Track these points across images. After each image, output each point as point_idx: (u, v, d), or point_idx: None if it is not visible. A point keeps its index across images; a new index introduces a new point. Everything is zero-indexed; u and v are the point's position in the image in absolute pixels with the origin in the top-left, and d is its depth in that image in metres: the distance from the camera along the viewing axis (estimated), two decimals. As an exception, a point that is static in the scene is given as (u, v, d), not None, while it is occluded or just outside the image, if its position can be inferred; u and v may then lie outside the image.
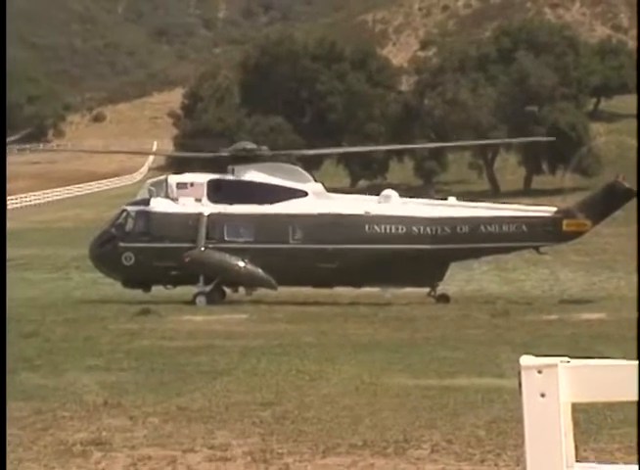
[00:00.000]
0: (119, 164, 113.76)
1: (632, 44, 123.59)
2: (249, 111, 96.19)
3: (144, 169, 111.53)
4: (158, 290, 28.80)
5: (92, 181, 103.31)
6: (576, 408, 3.35)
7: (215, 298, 28.06)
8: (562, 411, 3.26)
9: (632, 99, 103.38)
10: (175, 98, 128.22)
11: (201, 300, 27.83)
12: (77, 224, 65.49)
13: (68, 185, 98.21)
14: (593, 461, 8.94)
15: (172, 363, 16.44)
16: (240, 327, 22.22)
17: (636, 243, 24.83)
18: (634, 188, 28.91)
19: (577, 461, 3.35)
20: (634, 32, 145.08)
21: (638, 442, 3.38)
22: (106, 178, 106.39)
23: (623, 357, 3.44)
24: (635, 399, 3.29)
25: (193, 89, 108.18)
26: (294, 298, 28.38)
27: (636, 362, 3.25)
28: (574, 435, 3.34)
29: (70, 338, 19.70)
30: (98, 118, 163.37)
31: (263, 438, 10.94)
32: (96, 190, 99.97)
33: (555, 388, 3.24)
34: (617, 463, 9.05)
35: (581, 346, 17.69)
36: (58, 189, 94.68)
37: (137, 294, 28.61)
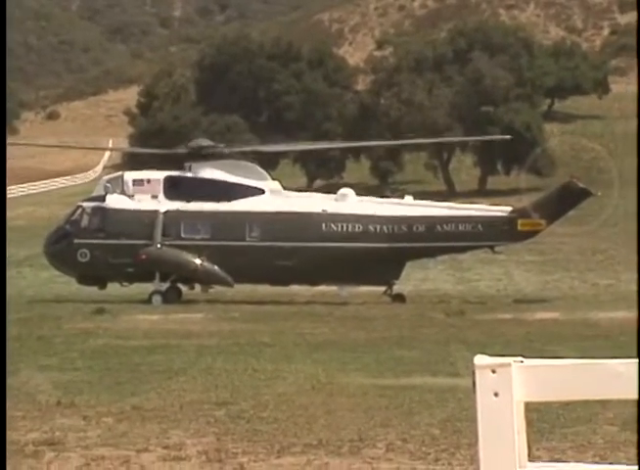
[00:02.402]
0: (74, 163, 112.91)
1: (586, 46, 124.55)
2: (205, 109, 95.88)
3: (99, 168, 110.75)
4: (113, 288, 28.64)
5: (46, 179, 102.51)
6: (529, 407, 3.37)
7: (171, 297, 27.96)
8: (515, 410, 3.27)
9: (586, 100, 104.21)
10: (131, 96, 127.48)
11: (157, 299, 27.72)
12: (31, 222, 64.97)
13: (22, 183, 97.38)
14: (545, 460, 9.00)
15: (127, 363, 16.36)
16: (196, 326, 22.15)
17: (636, 244, 25.23)
18: (588, 188, 29.19)
19: (530, 460, 3.37)
20: (588, 34, 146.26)
21: (638, 442, 3.41)
22: (60, 176, 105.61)
23: (577, 357, 3.47)
24: (585, 398, 3.31)
25: (149, 87, 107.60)
26: (250, 297, 28.34)
27: (587, 361, 3.28)
28: (527, 434, 3.36)
29: (24, 337, 19.54)
30: (52, 116, 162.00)
31: (218, 437, 10.91)
32: (50, 188, 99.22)
33: (508, 387, 3.26)
34: (568, 462, 9.13)
35: (535, 345, 17.81)
36: (11, 187, 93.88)
37: (92, 292, 28.44)
